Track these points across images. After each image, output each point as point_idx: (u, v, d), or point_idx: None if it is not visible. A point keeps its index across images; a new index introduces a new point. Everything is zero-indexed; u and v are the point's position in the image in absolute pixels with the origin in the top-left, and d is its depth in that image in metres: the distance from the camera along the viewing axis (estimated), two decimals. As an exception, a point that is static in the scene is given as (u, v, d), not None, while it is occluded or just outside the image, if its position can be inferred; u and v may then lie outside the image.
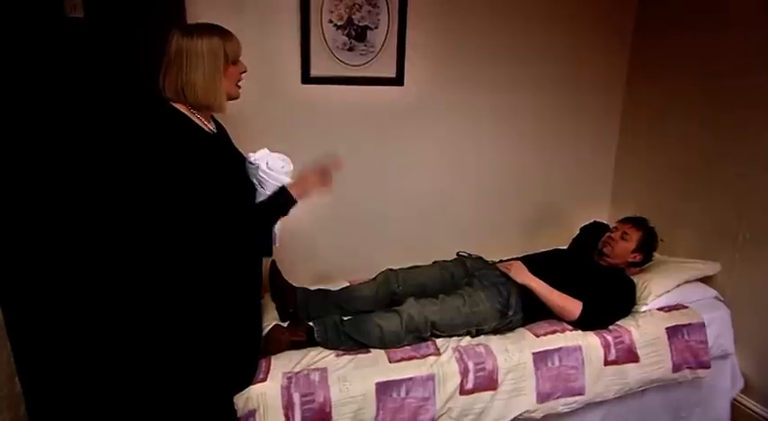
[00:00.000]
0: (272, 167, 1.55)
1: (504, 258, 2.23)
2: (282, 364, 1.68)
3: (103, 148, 1.82)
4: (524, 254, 2.29)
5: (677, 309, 2.09)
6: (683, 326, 2.02)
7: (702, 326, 2.04)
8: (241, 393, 1.58)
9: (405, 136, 2.39)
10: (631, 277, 2.13)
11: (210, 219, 1.43)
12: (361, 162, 2.34)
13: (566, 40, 2.51)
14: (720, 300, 2.20)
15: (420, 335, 1.83)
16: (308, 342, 1.78)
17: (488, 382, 1.75)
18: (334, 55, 2.17)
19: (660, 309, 2.08)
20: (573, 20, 2.50)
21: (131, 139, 1.46)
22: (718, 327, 2.10)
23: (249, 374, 1.61)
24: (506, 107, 2.53)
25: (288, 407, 1.58)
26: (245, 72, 1.53)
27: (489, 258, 2.25)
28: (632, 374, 1.92)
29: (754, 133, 2.09)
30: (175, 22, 1.84)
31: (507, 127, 2.56)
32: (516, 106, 2.54)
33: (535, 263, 2.08)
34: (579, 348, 1.87)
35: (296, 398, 1.59)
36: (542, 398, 1.81)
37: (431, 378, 1.70)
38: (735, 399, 2.21)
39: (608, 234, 2.22)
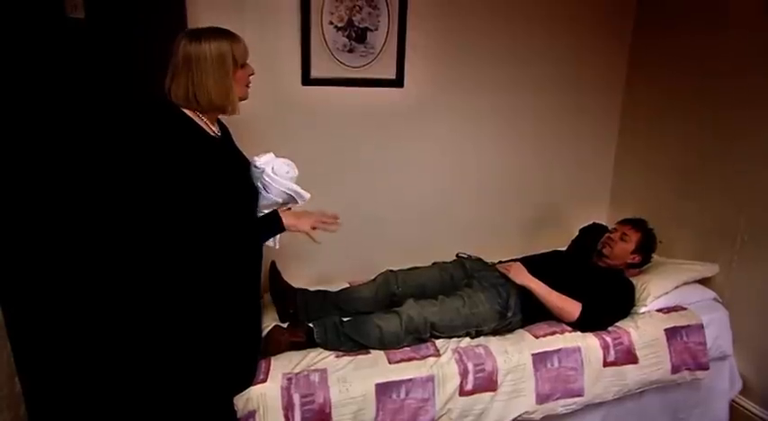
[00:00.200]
0: (276, 172, 1.55)
1: (504, 259, 2.24)
2: (282, 365, 1.69)
3: (106, 149, 1.81)
4: (524, 255, 2.30)
5: (676, 311, 2.10)
6: (682, 327, 2.03)
7: (701, 327, 2.05)
8: (241, 394, 1.59)
9: (405, 137, 2.39)
10: (630, 278, 2.14)
11: (210, 222, 1.43)
12: (361, 163, 2.35)
13: (565, 40, 2.52)
14: (719, 302, 2.21)
15: (419, 337, 1.83)
16: (308, 343, 1.78)
17: (488, 383, 1.76)
18: (335, 56, 2.17)
19: (659, 310, 2.09)
20: (573, 21, 2.50)
21: (135, 141, 1.46)
22: (717, 329, 2.10)
23: (249, 375, 1.62)
24: (506, 108, 2.53)
25: (288, 408, 1.58)
26: (252, 74, 1.53)
27: (489, 259, 2.25)
28: (631, 375, 1.92)
29: (753, 133, 2.09)
30: (176, 22, 1.84)
31: (507, 128, 2.56)
32: (516, 107, 2.54)
33: (534, 264, 2.08)
34: (578, 349, 1.88)
35: (296, 398, 1.59)
36: (542, 399, 1.82)
37: (430, 379, 1.70)
38: (733, 401, 2.21)
39: (607, 235, 2.23)
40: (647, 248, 2.17)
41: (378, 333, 1.79)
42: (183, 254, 1.45)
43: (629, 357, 1.92)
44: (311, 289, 2.07)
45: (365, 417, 1.64)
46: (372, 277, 2.12)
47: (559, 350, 1.86)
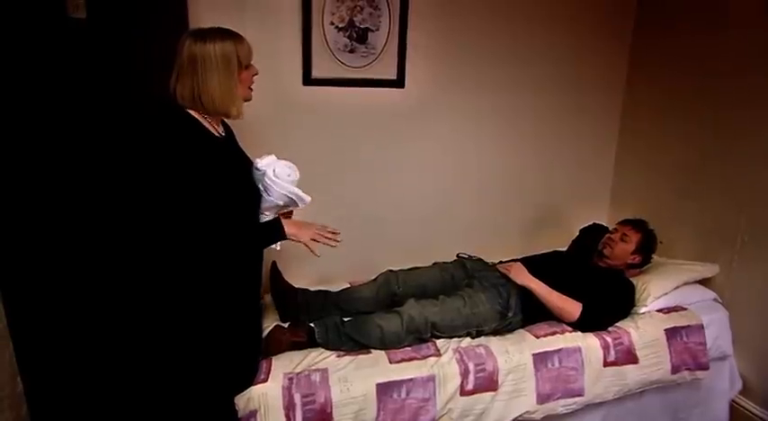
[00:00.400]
0: (278, 175, 1.55)
1: (504, 259, 2.24)
2: (283, 365, 1.69)
3: (110, 150, 1.82)
4: (524, 255, 2.30)
5: (676, 311, 2.10)
6: (682, 327, 2.03)
7: (701, 327, 2.05)
8: (242, 394, 1.59)
9: (405, 137, 2.40)
10: (630, 279, 2.14)
11: (213, 222, 1.43)
12: (361, 163, 2.35)
13: (566, 40, 2.52)
14: (719, 302, 2.21)
15: (420, 336, 1.84)
16: (309, 343, 1.79)
17: (489, 383, 1.76)
18: (336, 57, 2.17)
19: (659, 310, 2.09)
20: (573, 21, 2.50)
21: (140, 142, 1.46)
22: (717, 329, 2.10)
23: (250, 375, 1.62)
24: (507, 108, 2.53)
25: (289, 408, 1.58)
26: (256, 75, 1.53)
27: (489, 259, 2.26)
28: (631, 375, 1.93)
29: (753, 133, 2.09)
30: (177, 22, 1.84)
31: (508, 128, 2.57)
32: (517, 107, 2.54)
33: (535, 264, 2.09)
34: (579, 349, 1.88)
35: (297, 398, 1.59)
36: (542, 399, 1.82)
37: (431, 379, 1.71)
38: (733, 401, 2.22)
39: (607, 235, 2.23)
40: (647, 249, 2.18)
41: (379, 333, 1.79)
42: (185, 254, 1.45)
43: (629, 357, 1.92)
44: (312, 289, 2.07)
45: (366, 417, 1.65)
46: (373, 277, 2.12)
47: (560, 350, 1.86)
